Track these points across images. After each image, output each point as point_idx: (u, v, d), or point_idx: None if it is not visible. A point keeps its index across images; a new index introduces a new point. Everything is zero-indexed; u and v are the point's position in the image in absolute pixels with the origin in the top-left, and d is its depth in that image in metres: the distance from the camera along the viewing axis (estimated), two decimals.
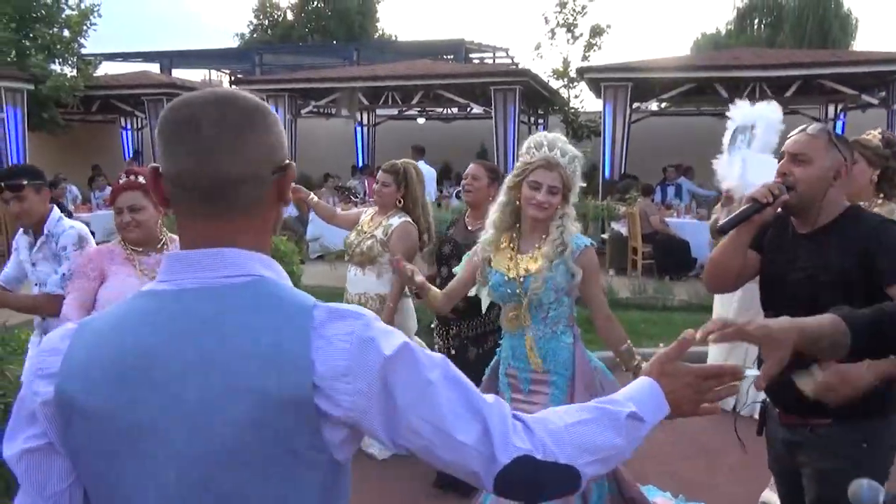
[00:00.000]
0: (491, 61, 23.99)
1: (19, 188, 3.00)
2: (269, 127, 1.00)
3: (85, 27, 12.79)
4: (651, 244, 9.06)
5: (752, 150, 3.04)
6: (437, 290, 2.79)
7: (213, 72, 25.74)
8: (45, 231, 3.03)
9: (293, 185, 2.77)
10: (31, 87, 11.54)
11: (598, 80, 11.29)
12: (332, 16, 29.86)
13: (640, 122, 12.19)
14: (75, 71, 12.85)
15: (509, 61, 23.19)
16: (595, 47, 14.21)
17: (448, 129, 15.45)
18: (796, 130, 2.06)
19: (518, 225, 2.61)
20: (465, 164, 3.97)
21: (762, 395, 2.19)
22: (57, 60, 12.41)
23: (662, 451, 4.15)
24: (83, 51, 13.57)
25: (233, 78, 25.18)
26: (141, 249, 2.80)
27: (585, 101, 14.62)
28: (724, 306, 4.59)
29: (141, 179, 2.75)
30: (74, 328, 1.00)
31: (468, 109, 14.16)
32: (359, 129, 15.78)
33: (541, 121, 15.16)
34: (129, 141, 16.64)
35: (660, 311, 7.00)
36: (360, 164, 14.63)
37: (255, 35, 31.30)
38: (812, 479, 2.01)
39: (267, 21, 31.85)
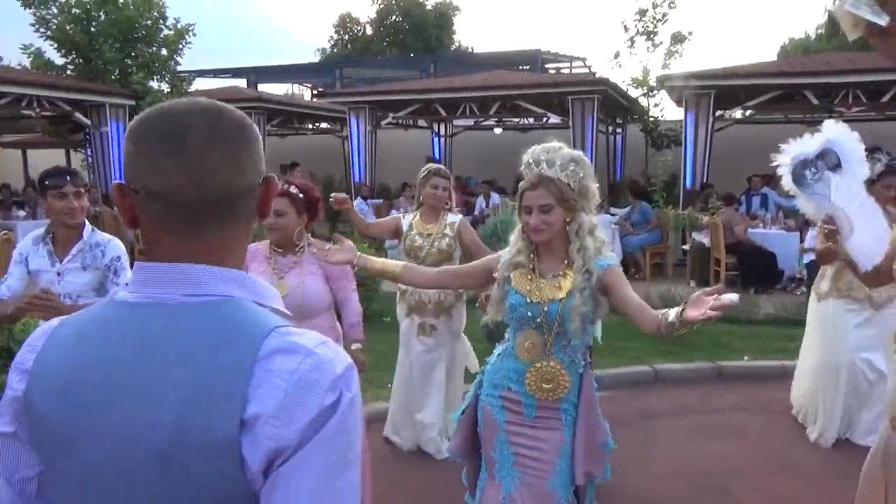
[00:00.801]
0: (568, 71, 23.88)
1: (84, 186, 2.98)
2: (254, 140, 0.97)
3: (180, 46, 13.55)
4: (735, 255, 8.79)
5: (842, 180, 2.98)
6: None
7: (296, 86, 26.74)
8: (85, 240, 2.97)
9: (339, 195, 2.87)
10: (133, 103, 12.33)
11: (680, 87, 11.06)
12: (410, 29, 30.45)
13: (724, 131, 11.85)
14: (171, 87, 13.61)
15: (586, 70, 23.03)
16: (676, 55, 13.92)
17: (524, 139, 15.42)
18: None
19: (535, 246, 2.45)
20: None
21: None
22: (155, 77, 13.18)
23: (749, 467, 4.05)
24: (178, 68, 14.37)
25: (314, 91, 26.07)
26: (280, 250, 3.13)
27: (666, 109, 14.35)
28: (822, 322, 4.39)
29: (293, 189, 3.10)
30: (52, 328, 0.97)
31: (545, 119, 14.14)
32: (436, 139, 16.02)
33: (619, 130, 14.96)
34: None
35: (744, 324, 6.80)
36: None
37: (335, 49, 32.28)
38: None
39: (347, 36, 32.80)
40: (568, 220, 2.35)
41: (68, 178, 2.93)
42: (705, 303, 1.93)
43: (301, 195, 3.10)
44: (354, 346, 3.24)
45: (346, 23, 32.95)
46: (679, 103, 11.67)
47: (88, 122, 11.91)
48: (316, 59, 32.51)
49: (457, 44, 33.22)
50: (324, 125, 17.78)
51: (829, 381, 4.21)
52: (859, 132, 3.19)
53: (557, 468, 2.37)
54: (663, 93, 13.12)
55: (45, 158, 15.62)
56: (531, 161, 2.35)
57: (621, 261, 9.84)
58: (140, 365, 0.87)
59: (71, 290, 2.93)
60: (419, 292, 4.03)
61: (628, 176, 14.42)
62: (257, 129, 1.00)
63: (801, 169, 3.19)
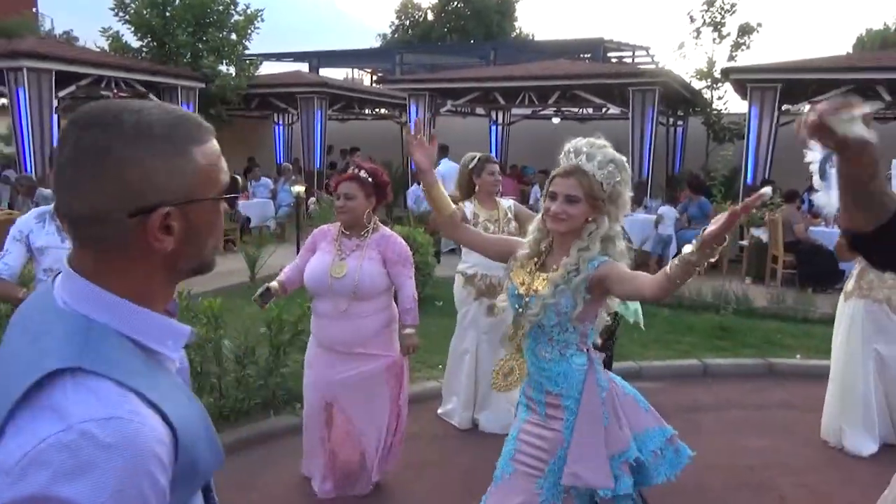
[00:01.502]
0: (630, 60, 23.49)
1: None
2: (119, 163, 0.84)
3: (249, 31, 13.98)
4: (794, 253, 8.64)
5: None
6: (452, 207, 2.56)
7: (356, 71, 27.11)
8: None
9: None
10: (203, 85, 12.82)
11: (744, 80, 10.85)
12: (471, 15, 30.39)
13: (789, 126, 11.57)
14: (239, 71, 14.07)
15: (649, 60, 22.61)
16: (743, 46, 13.57)
17: (582, 129, 15.10)
18: None
19: (551, 239, 2.38)
20: None
21: None
22: (224, 61, 13.66)
23: (793, 463, 4.08)
24: (246, 52, 14.83)
25: (375, 77, 26.39)
26: (348, 232, 3.30)
27: (730, 102, 14.04)
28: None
29: (363, 174, 3.27)
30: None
31: (604, 110, 14.04)
32: (493, 127, 16.08)
33: (680, 122, 14.73)
34: (280, 135, 17.94)
35: (798, 322, 6.73)
36: None
37: (395, 35, 32.52)
38: None
39: (408, 21, 32.99)
40: (590, 220, 2.27)
41: None
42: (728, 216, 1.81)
43: (370, 178, 3.26)
44: (407, 330, 3.37)
45: (407, 8, 33.13)
46: (744, 96, 11.45)
47: None
48: (377, 44, 32.87)
49: (518, 31, 33.03)
50: (383, 111, 18.03)
51: (852, 381, 4.15)
52: None
53: (547, 469, 2.31)
54: (727, 85, 12.86)
55: None
56: (571, 150, 2.29)
57: (675, 255, 9.77)
58: None
59: None
60: (490, 276, 4.15)
61: (687, 169, 14.20)
62: (177, 144, 0.88)
63: (823, 164, 3.23)
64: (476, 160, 4.27)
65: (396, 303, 3.48)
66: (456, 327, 4.49)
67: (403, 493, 3.68)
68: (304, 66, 23.52)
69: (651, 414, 2.41)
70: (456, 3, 31.16)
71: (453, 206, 2.54)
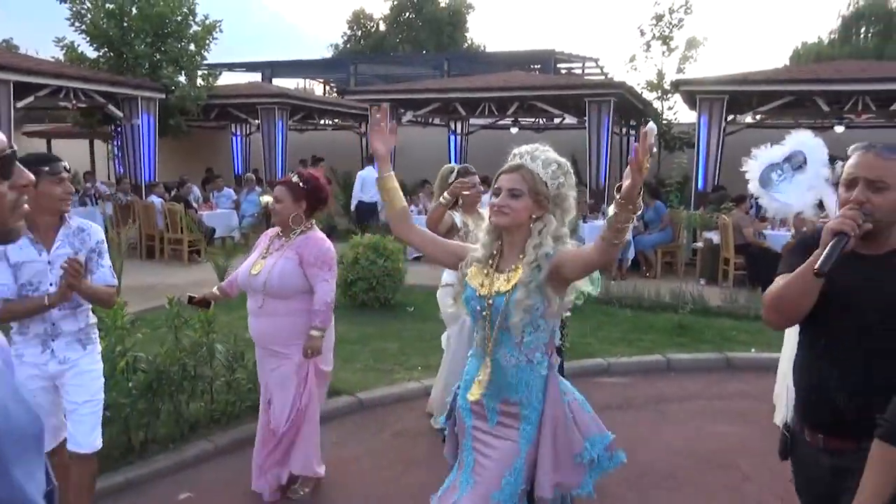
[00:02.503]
0: (580, 71, 24.14)
1: (63, 172, 2.82)
2: None
3: (208, 41, 13.95)
4: (744, 255, 9.14)
5: (804, 177, 3.35)
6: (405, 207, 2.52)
7: (309, 81, 27.09)
8: (70, 224, 2.92)
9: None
10: (163, 96, 12.73)
11: (694, 92, 11.40)
12: (423, 26, 30.73)
13: (735, 135, 12.19)
14: (199, 81, 14.01)
15: (598, 71, 23.29)
16: (691, 59, 14.24)
17: (538, 139, 15.70)
18: (856, 149, 1.94)
19: (500, 242, 2.38)
20: None
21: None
22: (183, 72, 13.59)
23: (754, 446, 4.40)
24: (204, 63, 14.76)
25: (328, 87, 26.42)
26: (281, 235, 3.50)
27: (679, 112, 14.66)
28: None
29: (295, 178, 3.49)
30: None
31: (560, 120, 14.48)
32: (452, 137, 16.38)
33: (632, 132, 15.30)
34: (238, 146, 17.87)
35: (751, 319, 7.15)
36: None
37: (348, 45, 32.62)
38: None
39: (360, 32, 33.14)
40: (535, 217, 2.27)
41: (62, 163, 2.83)
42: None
43: (302, 184, 3.44)
44: (312, 332, 3.39)
45: (359, 19, 33.30)
46: (693, 107, 12.01)
47: (121, 114, 12.33)
48: (328, 54, 32.91)
49: (469, 41, 33.53)
50: (342, 121, 18.11)
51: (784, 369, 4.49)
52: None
53: (503, 482, 2.26)
54: (677, 96, 13.45)
55: (71, 149, 16.06)
56: (517, 153, 2.32)
57: (633, 259, 10.22)
58: None
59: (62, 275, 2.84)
60: None
61: None
62: None
63: (768, 173, 3.60)
64: (455, 173, 4.30)
65: None
66: (451, 339, 4.41)
67: (389, 491, 3.85)
68: (256, 76, 23.39)
69: (594, 420, 2.42)
70: (408, 13, 31.46)
71: (404, 202, 2.51)
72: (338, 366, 5.56)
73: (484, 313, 2.29)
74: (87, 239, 2.95)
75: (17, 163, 1.12)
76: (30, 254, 2.81)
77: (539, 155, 2.28)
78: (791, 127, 13.74)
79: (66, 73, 11.12)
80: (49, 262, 2.84)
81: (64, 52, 13.19)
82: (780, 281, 1.96)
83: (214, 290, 3.75)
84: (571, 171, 2.36)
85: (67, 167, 2.88)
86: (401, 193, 2.49)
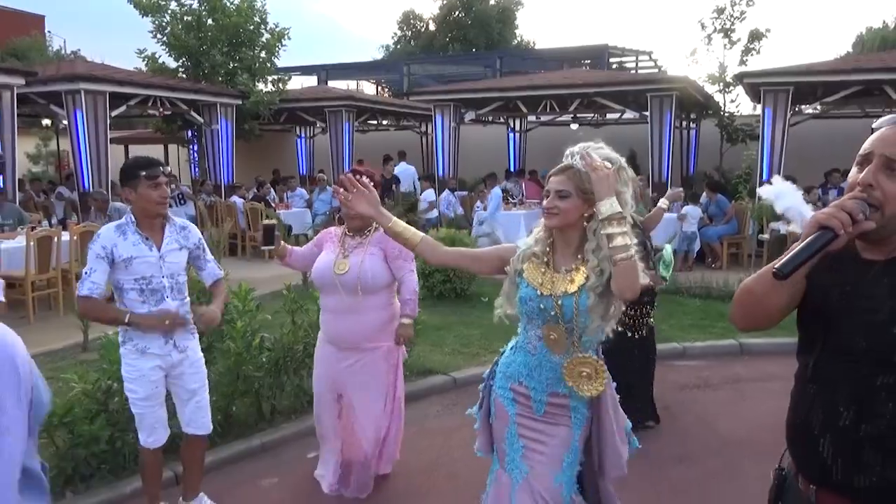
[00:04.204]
0: (633, 66, 24.09)
1: (161, 176, 3.04)
2: None
3: (277, 48, 14.61)
4: None
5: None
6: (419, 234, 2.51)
7: (362, 82, 27.69)
8: (174, 222, 3.15)
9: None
10: (240, 102, 13.44)
11: (757, 84, 11.44)
12: (472, 24, 30.94)
13: (799, 125, 12.18)
14: (270, 86, 14.69)
15: (652, 65, 23.21)
16: (753, 51, 14.19)
17: (598, 134, 15.91)
18: (885, 121, 1.47)
19: (553, 240, 2.40)
20: None
21: None
22: (256, 78, 14.28)
23: None
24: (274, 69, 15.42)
25: (380, 87, 26.93)
26: (351, 234, 3.52)
27: (741, 105, 14.64)
28: None
29: (364, 179, 3.59)
30: None
31: (619, 115, 14.63)
32: (511, 134, 16.68)
33: (693, 125, 15.34)
34: (303, 148, 18.56)
35: None
36: (514, 167, 15.54)
37: (398, 46, 33.12)
38: None
39: (410, 32, 33.59)
40: (587, 215, 2.29)
41: (160, 167, 3.02)
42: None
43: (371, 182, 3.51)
44: (403, 320, 3.50)
45: (409, 19, 33.76)
46: (757, 99, 12.04)
47: (201, 119, 13.09)
48: (378, 55, 33.50)
49: (519, 38, 33.63)
50: (405, 122, 18.59)
51: None
52: None
53: (564, 464, 2.35)
54: (738, 88, 13.46)
55: (147, 154, 16.90)
56: (569, 153, 2.35)
57: (699, 250, 10.37)
58: None
59: (173, 270, 3.08)
60: None
61: (701, 170, 14.79)
62: None
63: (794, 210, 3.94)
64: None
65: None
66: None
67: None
68: (312, 80, 24.06)
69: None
70: (457, 12, 31.73)
71: (419, 233, 2.48)
72: (428, 349, 6.03)
73: (553, 313, 2.30)
74: (190, 235, 3.20)
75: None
76: (141, 250, 2.99)
77: (589, 153, 2.26)
78: (858, 117, 13.70)
79: (154, 83, 11.91)
80: (161, 258, 3.04)
81: (146, 62, 14.01)
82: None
83: (284, 244, 3.70)
84: (626, 166, 2.36)
85: (166, 171, 3.06)
86: (412, 230, 2.48)
